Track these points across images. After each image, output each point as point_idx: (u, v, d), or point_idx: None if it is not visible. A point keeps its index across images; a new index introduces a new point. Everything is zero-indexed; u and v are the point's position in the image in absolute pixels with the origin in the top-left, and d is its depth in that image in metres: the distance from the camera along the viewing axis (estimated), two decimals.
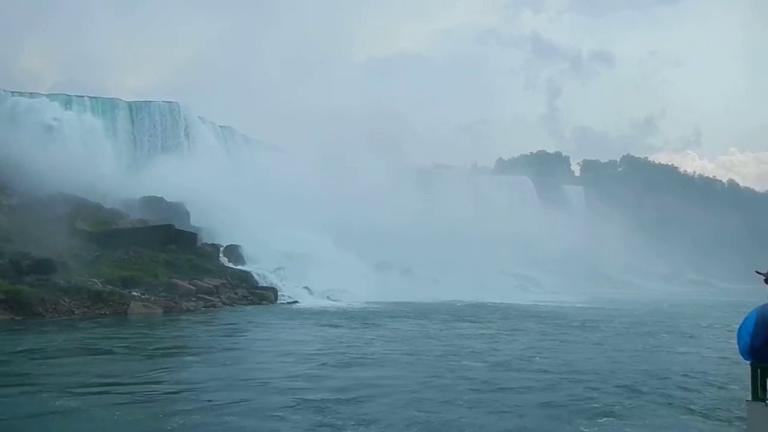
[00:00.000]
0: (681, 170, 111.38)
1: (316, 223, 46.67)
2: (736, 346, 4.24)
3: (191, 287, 31.48)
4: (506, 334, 20.22)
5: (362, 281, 41.06)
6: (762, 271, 4.28)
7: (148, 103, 47.89)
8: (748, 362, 4.04)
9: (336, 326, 21.38)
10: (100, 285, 29.13)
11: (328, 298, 35.85)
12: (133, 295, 28.91)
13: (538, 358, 15.06)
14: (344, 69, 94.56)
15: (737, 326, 4.24)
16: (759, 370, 3.96)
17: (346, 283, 39.44)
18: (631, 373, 13.18)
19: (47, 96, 44.71)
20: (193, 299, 30.78)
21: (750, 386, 4.00)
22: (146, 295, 29.51)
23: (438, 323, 23.43)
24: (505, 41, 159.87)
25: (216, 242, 39.83)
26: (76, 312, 26.13)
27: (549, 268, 60.55)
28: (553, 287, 52.22)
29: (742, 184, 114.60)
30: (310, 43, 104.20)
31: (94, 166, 42.53)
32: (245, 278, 34.89)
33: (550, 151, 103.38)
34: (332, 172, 53.59)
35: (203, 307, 29.86)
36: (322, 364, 13.45)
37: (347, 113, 67.02)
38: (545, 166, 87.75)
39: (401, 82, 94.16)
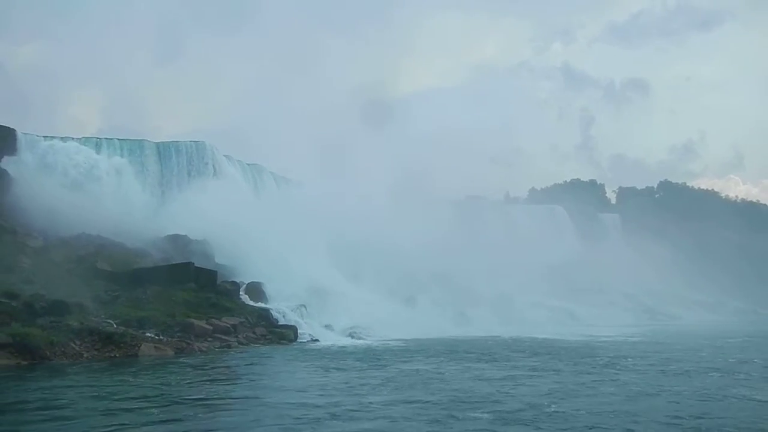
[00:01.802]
0: (722, 195, 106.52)
1: (344, 258, 45.23)
2: None
3: (208, 327, 29.98)
4: (527, 376, 17.98)
5: (389, 317, 39.06)
6: None
7: (175, 143, 47.49)
8: None
9: (344, 369, 19.46)
10: (115, 326, 27.93)
11: (350, 336, 33.96)
12: (146, 336, 27.59)
13: (553, 407, 12.85)
14: (374, 107, 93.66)
15: None
16: None
17: (372, 320, 37.60)
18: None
19: (78, 140, 44.62)
20: (209, 339, 29.26)
21: None
22: (160, 336, 28.15)
23: (457, 363, 21.29)
24: (537, 73, 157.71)
25: (240, 280, 38.49)
26: (85, 355, 24.78)
27: (585, 300, 57.41)
28: (590, 319, 49.21)
29: None
30: (341, 83, 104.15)
31: (122, 206, 42.00)
32: (265, 317, 33.29)
33: (585, 179, 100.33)
34: (361, 208, 52.04)
35: (218, 347, 28.28)
36: (303, 419, 11.55)
37: (378, 150, 65.89)
38: (580, 195, 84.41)
39: (432, 117, 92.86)
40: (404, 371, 18.62)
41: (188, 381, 16.26)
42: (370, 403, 13.46)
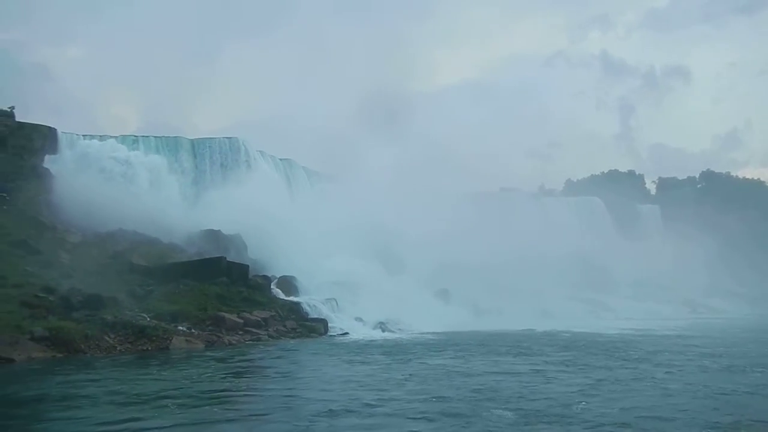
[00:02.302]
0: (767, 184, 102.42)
1: (375, 251, 44.88)
2: None
3: (239, 320, 29.97)
4: (557, 371, 17.29)
5: (420, 311, 38.57)
6: None
7: (210, 139, 47.77)
8: None
9: (369, 363, 19.07)
10: (148, 320, 28.15)
11: (380, 329, 33.58)
12: (179, 329, 27.71)
13: (582, 405, 12.18)
14: (409, 100, 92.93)
15: None
16: None
17: (403, 313, 37.18)
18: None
19: (116, 138, 45.22)
20: (240, 332, 29.24)
21: None
22: (192, 329, 28.26)
23: (486, 357, 20.68)
24: (574, 62, 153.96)
25: (273, 274, 38.54)
26: (118, 348, 25.01)
27: (623, 293, 55.87)
28: (627, 313, 47.72)
29: None
30: (374, 77, 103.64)
31: (157, 201, 42.39)
32: (295, 310, 33.17)
33: (623, 170, 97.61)
34: (392, 200, 51.48)
35: (248, 341, 28.25)
36: (320, 414, 11.16)
37: (409, 142, 65.21)
38: (618, 186, 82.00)
39: (467, 109, 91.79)
40: (430, 366, 18.13)
41: (210, 374, 16.08)
42: (391, 398, 13.03)
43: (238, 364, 18.73)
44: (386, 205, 50.49)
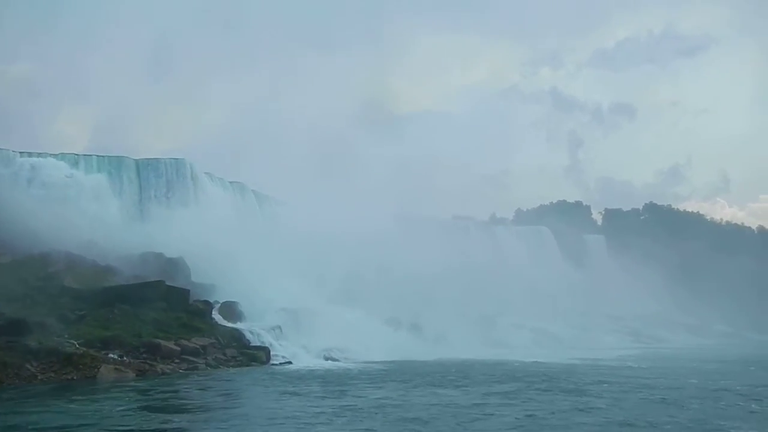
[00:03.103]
0: (708, 217, 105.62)
1: (324, 278, 43.79)
2: None
3: (175, 348, 28.40)
4: (497, 404, 16.57)
5: (368, 339, 37.54)
6: None
7: (155, 160, 46.13)
8: None
9: (305, 395, 18.00)
10: (77, 346, 26.39)
11: (325, 358, 32.42)
12: (109, 357, 26.02)
13: None
14: (364, 127, 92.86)
15: None
16: None
17: (350, 342, 36.09)
18: None
19: (55, 156, 43.21)
20: (176, 361, 27.68)
21: None
22: (124, 357, 26.59)
23: (427, 389, 19.84)
24: (527, 96, 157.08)
25: (217, 299, 36.96)
26: (39, 377, 23.21)
27: (569, 321, 55.88)
28: (573, 342, 47.67)
29: None
30: (331, 105, 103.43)
31: (97, 223, 40.50)
32: (237, 337, 31.72)
33: (571, 200, 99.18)
34: (344, 227, 50.52)
35: (184, 369, 26.74)
36: None
37: (363, 168, 64.78)
38: (565, 216, 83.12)
39: (421, 138, 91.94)
40: (367, 398, 17.17)
41: (125, 407, 14.77)
42: None
43: (161, 395, 17.35)
44: (337, 232, 49.57)
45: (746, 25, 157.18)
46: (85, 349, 26.06)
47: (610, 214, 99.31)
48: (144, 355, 27.31)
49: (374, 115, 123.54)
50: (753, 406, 16.69)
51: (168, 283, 34.52)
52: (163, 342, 28.34)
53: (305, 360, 31.30)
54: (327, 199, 55.80)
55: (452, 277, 52.38)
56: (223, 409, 15.50)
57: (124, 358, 26.46)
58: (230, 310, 35.47)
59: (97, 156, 44.43)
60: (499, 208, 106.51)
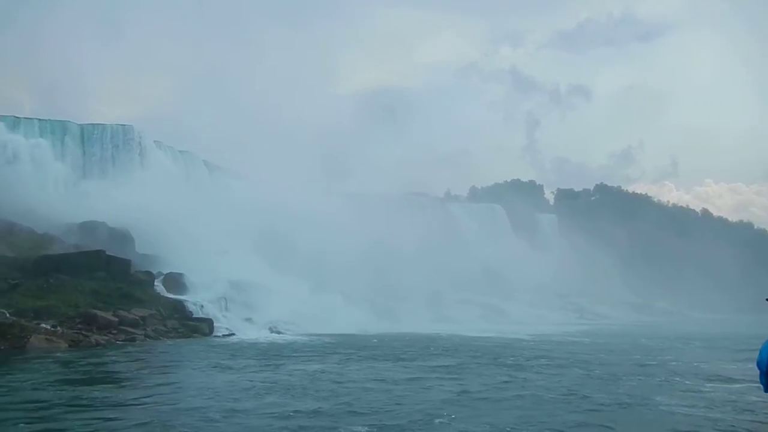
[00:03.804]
0: (655, 200, 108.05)
1: (274, 252, 42.85)
2: None
3: (113, 318, 27.30)
4: (434, 378, 16.18)
5: (315, 312, 37.11)
6: None
7: (101, 125, 44.15)
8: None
9: (240, 368, 17.27)
10: (7, 315, 25.03)
11: (270, 330, 31.74)
12: (40, 327, 24.75)
13: (443, 417, 11.04)
14: (321, 100, 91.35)
15: None
16: None
17: (296, 315, 35.56)
18: None
19: None
20: (114, 332, 26.59)
21: None
22: (58, 327, 25.35)
23: (365, 363, 19.37)
24: (486, 75, 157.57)
25: (159, 270, 35.74)
26: None
27: (518, 298, 56.56)
28: (519, 317, 48.12)
29: (715, 214, 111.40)
30: (290, 77, 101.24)
31: (37, 189, 38.60)
32: (179, 309, 30.76)
33: (525, 180, 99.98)
34: (293, 201, 49.51)
35: (121, 340, 25.68)
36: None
37: (316, 142, 63.65)
38: (519, 195, 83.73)
39: (379, 114, 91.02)
40: (303, 372, 16.55)
41: (42, 380, 13.78)
42: (241, 410, 11.37)
43: (86, 367, 16.38)
44: (291, 203, 48.61)
45: (702, 12, 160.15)
46: (15, 318, 24.80)
47: (562, 194, 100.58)
48: (79, 326, 26.16)
49: (331, 89, 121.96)
50: (687, 382, 16.72)
51: (110, 253, 33.18)
52: (99, 312, 27.22)
53: (250, 333, 30.59)
54: (281, 173, 54.69)
55: (404, 252, 52.23)
56: (146, 381, 14.67)
57: (58, 329, 25.26)
58: (174, 281, 34.39)
59: (39, 119, 42.29)
60: (456, 185, 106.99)
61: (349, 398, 12.72)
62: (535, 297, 59.07)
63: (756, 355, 3.97)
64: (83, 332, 25.06)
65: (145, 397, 12.22)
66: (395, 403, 12.35)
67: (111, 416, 10.38)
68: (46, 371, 15.09)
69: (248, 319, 32.75)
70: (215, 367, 17.17)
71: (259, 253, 42.42)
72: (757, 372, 4.10)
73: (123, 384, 13.91)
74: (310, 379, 15.25)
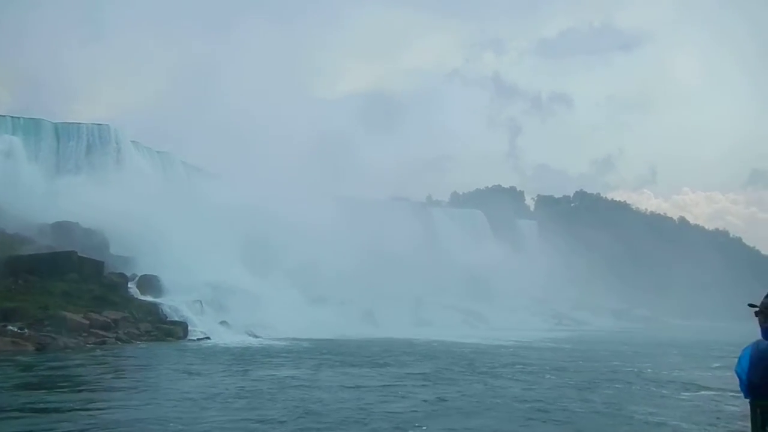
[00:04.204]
0: (634, 207, 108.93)
1: (253, 255, 42.18)
2: None
3: (84, 321, 26.50)
4: (407, 385, 15.77)
5: (292, 316, 36.52)
6: (756, 304, 3.79)
7: (76, 124, 43.22)
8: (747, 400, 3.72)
9: (209, 373, 16.72)
10: None
11: (247, 333, 31.14)
12: (7, 329, 23.91)
13: (421, 428, 10.63)
14: (303, 104, 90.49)
15: None
16: (758, 409, 3.70)
17: (274, 318, 34.97)
18: None
19: None
20: (84, 334, 25.81)
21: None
22: (25, 330, 24.54)
23: (338, 368, 18.90)
24: (469, 81, 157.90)
25: (137, 272, 34.99)
26: None
27: (499, 303, 56.41)
28: (498, 323, 47.92)
29: (692, 222, 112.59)
30: (273, 79, 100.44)
31: (9, 188, 37.54)
32: (153, 311, 30.06)
33: (506, 185, 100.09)
34: (275, 203, 48.82)
35: (91, 343, 24.92)
36: None
37: (298, 145, 63.06)
38: (500, 201, 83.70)
39: (362, 118, 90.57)
40: (272, 379, 16.03)
41: (4, 385, 13.11)
42: (205, 419, 10.85)
43: (46, 371, 15.71)
44: (271, 205, 47.92)
45: (680, 23, 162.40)
46: None
47: (543, 201, 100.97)
48: (48, 328, 25.35)
49: (316, 93, 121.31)
50: (663, 391, 16.50)
51: (84, 254, 32.38)
52: (69, 315, 26.40)
53: (225, 336, 29.96)
54: (263, 176, 54.00)
55: (386, 256, 51.83)
56: (105, 385, 14.03)
57: (25, 331, 24.45)
58: (149, 283, 33.68)
59: (12, 117, 41.28)
60: (437, 190, 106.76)
61: (316, 407, 12.26)
62: (515, 303, 58.98)
63: (733, 362, 3.90)
64: (52, 335, 24.24)
65: (98, 403, 11.64)
66: (367, 412, 11.90)
67: (55, 423, 9.80)
68: (3, 375, 14.40)
69: (224, 323, 32.13)
70: (182, 371, 16.60)
71: (238, 255, 41.75)
72: (736, 380, 3.90)
73: (79, 389, 13.25)
74: (280, 386, 14.74)
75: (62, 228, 35.13)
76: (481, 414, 12.28)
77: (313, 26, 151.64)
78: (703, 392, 16.33)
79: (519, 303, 58.85)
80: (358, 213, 54.41)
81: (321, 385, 15.04)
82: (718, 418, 12.90)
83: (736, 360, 3.83)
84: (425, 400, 13.51)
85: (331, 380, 15.95)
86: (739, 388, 3.86)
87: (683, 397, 15.48)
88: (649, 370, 21.29)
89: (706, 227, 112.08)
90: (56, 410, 10.74)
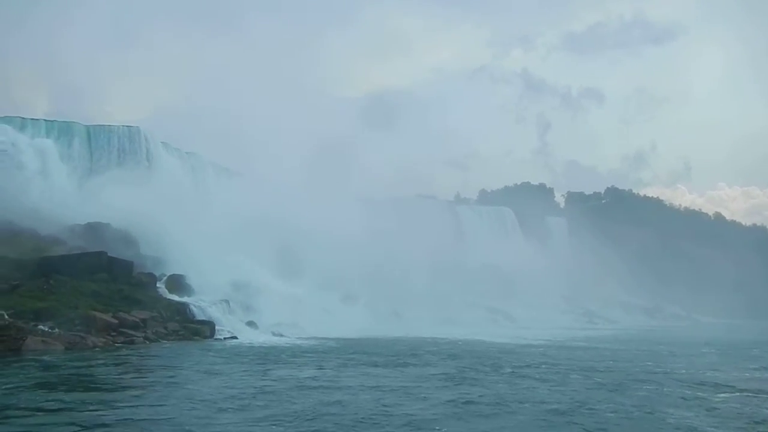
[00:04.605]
0: (667, 203, 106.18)
1: (281, 252, 42.08)
2: None
3: (113, 321, 26.66)
4: (430, 386, 15.35)
5: (320, 315, 36.44)
6: None
7: (108, 126, 43.76)
8: None
9: (231, 373, 16.55)
10: (5, 317, 24.52)
11: (273, 333, 31.04)
12: (37, 329, 24.18)
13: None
14: (330, 103, 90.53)
15: None
16: None
17: (302, 317, 34.87)
18: None
19: (0, 119, 40.56)
20: (113, 334, 25.98)
21: None
22: (56, 330, 24.78)
23: (358, 368, 18.56)
24: (497, 78, 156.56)
25: (165, 272, 35.19)
26: None
27: (526, 301, 55.38)
28: (526, 322, 47.02)
29: (729, 217, 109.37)
30: (299, 79, 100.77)
31: (43, 190, 38.25)
32: (181, 311, 30.12)
33: (535, 183, 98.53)
34: (303, 201, 48.81)
35: (120, 343, 25.08)
36: None
37: (324, 144, 62.91)
38: (529, 198, 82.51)
39: (390, 117, 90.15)
40: (293, 379, 15.77)
41: (17, 384, 13.10)
42: (221, 422, 10.61)
43: (69, 371, 15.70)
44: (296, 205, 47.89)
45: (713, 15, 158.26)
46: (12, 320, 24.27)
47: (573, 197, 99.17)
48: (78, 328, 25.57)
49: (341, 92, 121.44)
50: (698, 393, 15.75)
51: (115, 255, 32.72)
52: (98, 314, 26.59)
53: (252, 335, 29.92)
54: (288, 175, 54.11)
55: (412, 255, 51.44)
56: (123, 385, 13.89)
57: (56, 330, 24.70)
58: (177, 283, 33.82)
59: (46, 120, 42.02)
60: (465, 188, 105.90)
61: (335, 408, 11.94)
62: (544, 301, 57.90)
63: None
64: (80, 334, 24.43)
65: (112, 403, 11.51)
66: (382, 414, 11.52)
67: (63, 423, 9.64)
68: (25, 375, 14.42)
69: (251, 322, 32.11)
70: (205, 371, 16.46)
71: (265, 255, 41.68)
72: None
73: (100, 388, 13.19)
74: (299, 386, 14.47)
75: (94, 229, 35.53)
76: (502, 417, 11.81)
77: (335, 25, 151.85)
78: (740, 394, 15.55)
79: (548, 301, 57.76)
80: (385, 212, 54.07)
81: (341, 386, 14.72)
82: (757, 422, 12.21)
83: None
84: (446, 402, 13.09)
85: (353, 380, 15.62)
86: None
87: (718, 399, 14.73)
88: (683, 370, 20.46)
89: (743, 223, 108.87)
90: (67, 410, 10.64)
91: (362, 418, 11.08)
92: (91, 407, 10.99)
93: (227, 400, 12.66)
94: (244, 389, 13.90)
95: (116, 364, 17.42)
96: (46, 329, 24.66)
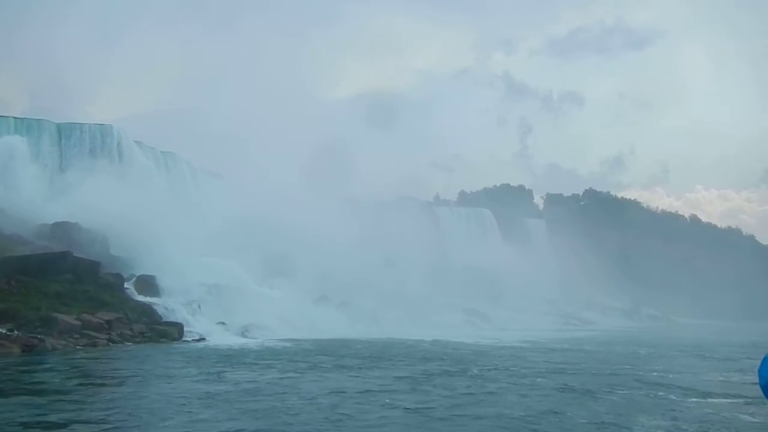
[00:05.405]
0: (644, 205, 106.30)
1: (262, 256, 40.94)
2: None
3: (75, 322, 25.49)
4: (392, 390, 14.54)
5: (293, 317, 35.46)
6: None
7: (79, 124, 42.34)
8: None
9: (186, 377, 15.56)
10: None
11: (242, 335, 30.02)
12: None
13: None
14: (314, 104, 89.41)
15: None
16: None
17: (273, 319, 33.87)
18: None
19: None
20: (75, 336, 24.81)
21: None
22: (14, 332, 23.56)
23: (320, 371, 17.71)
24: (479, 80, 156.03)
25: (135, 273, 33.97)
26: None
27: (504, 303, 54.76)
28: (504, 323, 46.32)
29: (704, 220, 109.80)
30: (284, 81, 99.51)
31: (10, 189, 36.87)
32: (148, 312, 28.98)
33: (514, 184, 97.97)
34: (286, 204, 47.77)
35: (82, 345, 23.94)
36: None
37: (305, 146, 62.01)
38: (508, 199, 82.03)
39: (370, 118, 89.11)
40: (250, 383, 14.84)
41: None
42: (145, 427, 9.65)
43: (12, 376, 14.61)
44: (279, 206, 46.87)
45: (693, 22, 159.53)
46: None
47: (551, 199, 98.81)
48: (38, 330, 24.40)
49: (325, 94, 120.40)
50: (672, 397, 15.06)
51: (84, 255, 31.46)
52: (61, 316, 25.41)
53: (222, 337, 28.87)
54: (270, 176, 53.10)
55: (390, 256, 50.68)
56: (65, 390, 12.84)
57: (14, 333, 23.50)
58: (147, 284, 32.64)
59: (15, 118, 40.53)
60: (447, 190, 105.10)
61: (286, 416, 11.06)
62: (523, 302, 57.29)
63: (747, 365, 3.02)
64: (39, 336, 23.25)
65: (36, 410, 10.49)
66: (335, 423, 10.64)
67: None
68: None
69: (221, 323, 31.04)
70: (158, 375, 15.49)
71: (245, 257, 40.53)
72: (752, 386, 3.03)
73: (33, 395, 12.13)
74: (254, 390, 13.57)
75: (61, 229, 34.24)
76: (465, 426, 10.97)
77: (319, 26, 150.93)
78: (718, 399, 14.88)
79: (526, 303, 57.14)
80: (364, 213, 53.21)
81: (297, 390, 13.85)
82: (737, 429, 11.53)
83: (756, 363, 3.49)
84: (407, 409, 12.26)
85: (314, 385, 14.75)
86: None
87: (695, 405, 14.04)
88: (659, 373, 19.79)
89: (719, 225, 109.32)
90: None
91: (311, 428, 10.19)
92: (8, 417, 9.96)
93: (173, 406, 11.73)
94: (194, 395, 12.95)
95: (67, 368, 16.34)
96: (4, 332, 23.44)
